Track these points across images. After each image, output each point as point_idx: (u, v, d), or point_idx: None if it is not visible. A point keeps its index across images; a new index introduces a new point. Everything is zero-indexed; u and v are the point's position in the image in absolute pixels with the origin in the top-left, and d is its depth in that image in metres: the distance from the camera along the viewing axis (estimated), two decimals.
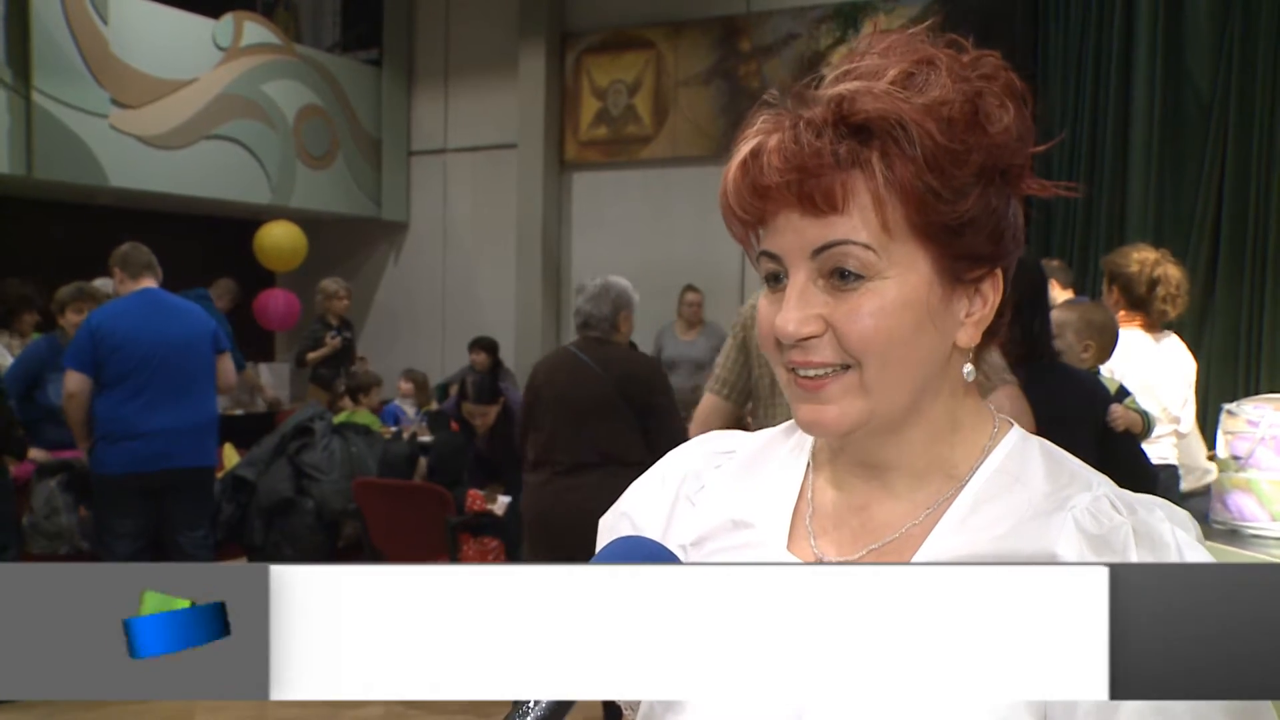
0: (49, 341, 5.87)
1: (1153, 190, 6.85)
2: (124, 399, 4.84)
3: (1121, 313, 4.08)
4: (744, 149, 0.84)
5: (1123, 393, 3.62)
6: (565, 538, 3.77)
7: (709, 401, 3.28)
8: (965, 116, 0.81)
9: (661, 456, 3.91)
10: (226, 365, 5.23)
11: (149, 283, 4.98)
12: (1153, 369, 4.08)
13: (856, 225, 0.81)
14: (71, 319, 5.76)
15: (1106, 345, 3.59)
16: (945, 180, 0.80)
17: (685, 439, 3.95)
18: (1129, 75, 6.95)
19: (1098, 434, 2.81)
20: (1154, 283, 4.00)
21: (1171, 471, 4.08)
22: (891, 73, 0.82)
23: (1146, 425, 3.63)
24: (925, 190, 0.80)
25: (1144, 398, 3.96)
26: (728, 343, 3.32)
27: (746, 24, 8.91)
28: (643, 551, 0.79)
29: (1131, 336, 4.08)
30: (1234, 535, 4.16)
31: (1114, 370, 3.89)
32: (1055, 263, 5.71)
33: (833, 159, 0.80)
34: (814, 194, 0.81)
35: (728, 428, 3.56)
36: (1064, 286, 5.36)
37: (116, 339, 4.83)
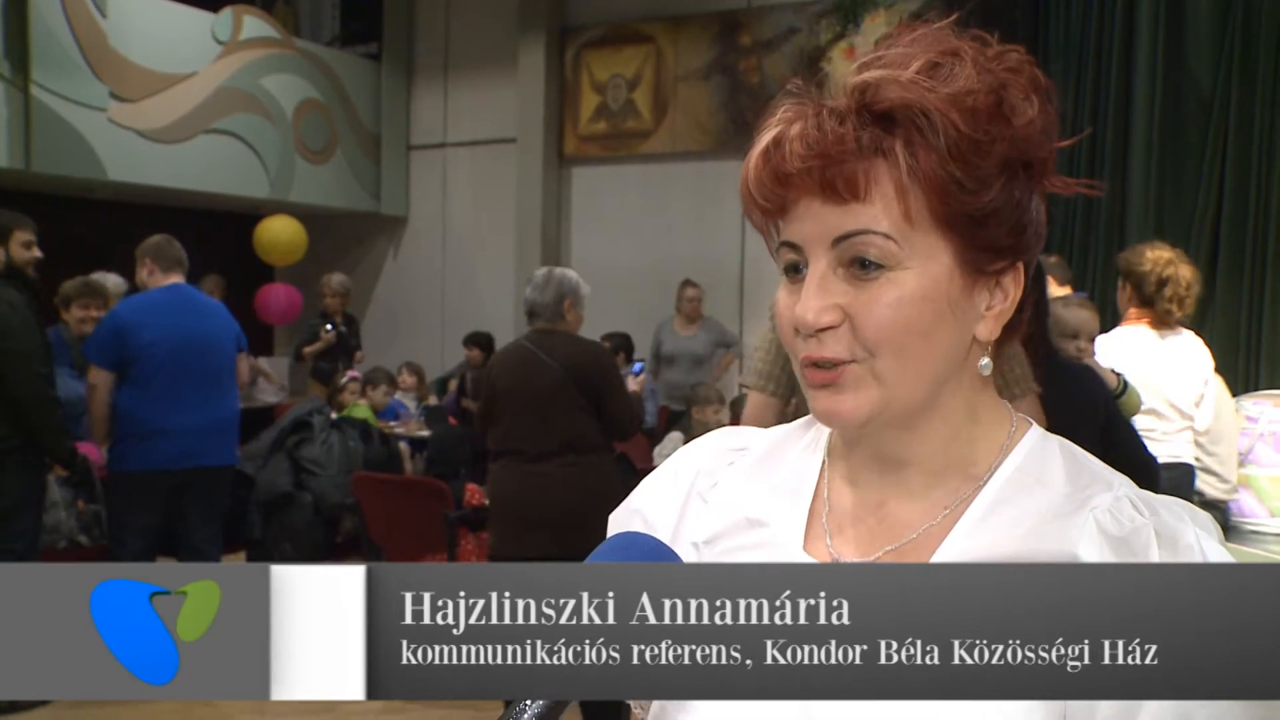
0: (54, 336, 5.86)
1: (1153, 186, 6.85)
2: (155, 396, 4.82)
3: (1132, 310, 4.11)
4: (766, 137, 0.83)
5: (1123, 385, 3.62)
6: (530, 522, 3.92)
7: (754, 400, 3.04)
8: (989, 107, 0.81)
9: (615, 438, 3.83)
10: (243, 365, 5.27)
11: (178, 278, 4.98)
12: (1158, 365, 4.09)
13: (878, 214, 0.80)
14: (76, 314, 5.74)
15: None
16: (969, 170, 0.80)
17: (635, 420, 3.87)
18: (1130, 71, 6.95)
19: (1100, 428, 2.81)
20: (1163, 282, 4.03)
21: (1185, 469, 4.08)
22: (917, 62, 0.81)
23: (1134, 402, 3.67)
24: (949, 180, 0.80)
25: (1148, 394, 3.98)
26: (765, 335, 3.06)
27: (746, 19, 8.90)
28: (640, 547, 0.79)
29: (1137, 333, 4.09)
30: (1233, 531, 4.17)
31: (1112, 365, 3.91)
32: (1053, 259, 5.71)
33: (855, 146, 0.80)
34: (836, 181, 0.80)
35: (779, 425, 3.25)
36: (1061, 283, 5.36)
37: (146, 335, 4.80)
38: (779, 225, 0.85)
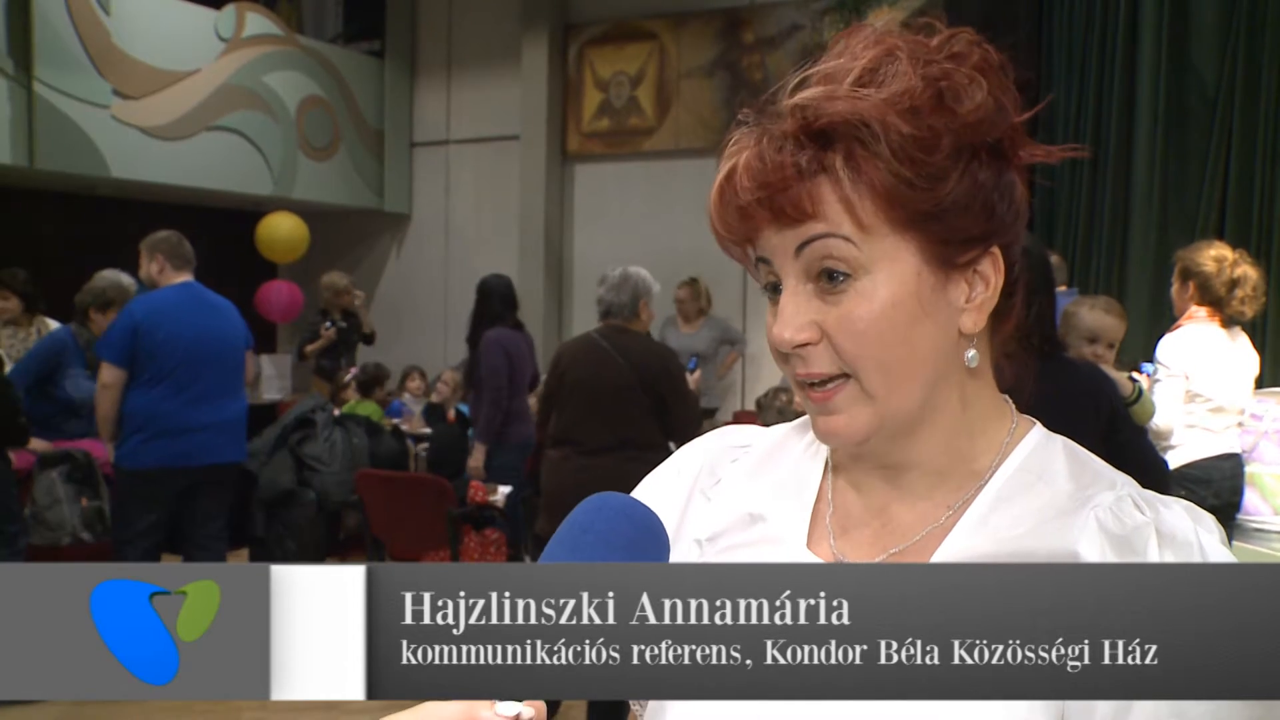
0: (67, 334, 5.85)
1: (1156, 185, 6.83)
2: (169, 394, 4.85)
3: (1198, 309, 4.14)
4: (723, 170, 0.84)
5: (1138, 392, 3.62)
6: None
7: None
8: (929, 102, 0.79)
9: (677, 439, 3.91)
10: (250, 363, 5.30)
11: (189, 276, 5.01)
12: (1228, 363, 4.15)
13: (833, 225, 0.81)
14: (114, 317, 5.75)
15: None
16: (918, 168, 0.79)
17: (696, 423, 3.90)
18: (1133, 68, 6.93)
19: (1103, 427, 2.78)
20: (1234, 283, 4.07)
21: (1237, 460, 4.21)
22: (854, 72, 0.81)
23: (1147, 410, 3.71)
24: (898, 182, 0.79)
25: (1218, 391, 4.07)
26: None
27: (749, 15, 8.89)
28: (614, 506, 0.78)
29: (1209, 332, 4.13)
30: (1237, 529, 4.16)
31: (1168, 367, 4.00)
32: (1054, 258, 5.70)
33: (795, 171, 0.80)
34: (785, 207, 0.81)
35: None
36: (1057, 282, 5.37)
37: (162, 333, 4.83)
38: (752, 250, 0.87)
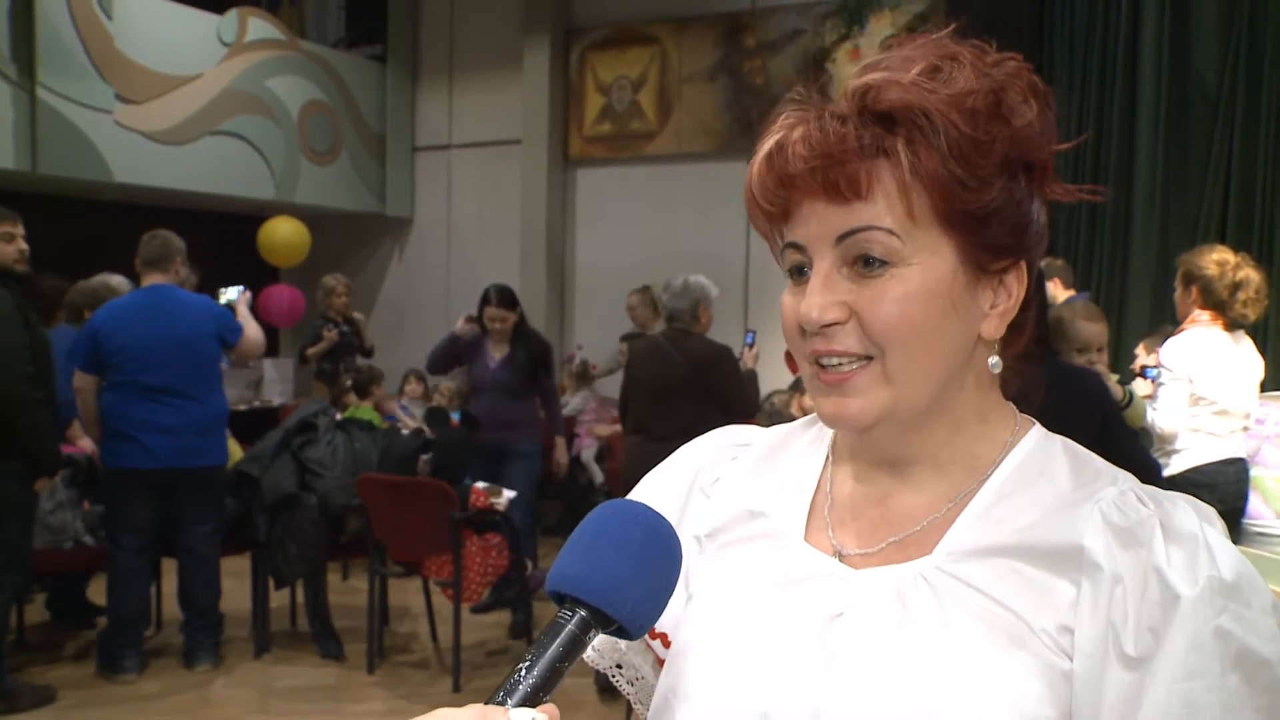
0: (61, 334, 5.85)
1: (1158, 189, 6.83)
2: (131, 398, 4.92)
3: (1201, 312, 4.13)
4: (769, 142, 0.84)
5: (1129, 397, 3.62)
6: None
7: None
8: (988, 108, 0.81)
9: (733, 421, 4.03)
10: (243, 346, 5.29)
11: (157, 278, 5.02)
12: (1231, 367, 4.14)
13: (881, 212, 0.81)
14: None
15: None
16: (970, 169, 0.80)
17: (748, 404, 4.19)
18: (1135, 71, 6.94)
19: (1098, 430, 2.79)
20: (1236, 286, 4.06)
21: (1242, 464, 4.19)
22: (917, 66, 0.82)
23: (1138, 414, 3.71)
24: (950, 178, 0.80)
25: (1220, 394, 4.06)
26: None
27: (751, 20, 8.90)
28: (626, 511, 0.80)
29: (1212, 335, 4.11)
30: (1239, 533, 4.16)
31: (1172, 370, 3.99)
32: (1059, 262, 5.71)
33: (857, 146, 0.80)
34: (839, 181, 0.81)
35: None
36: (1066, 286, 5.37)
37: (119, 340, 4.90)
38: (783, 230, 0.86)
